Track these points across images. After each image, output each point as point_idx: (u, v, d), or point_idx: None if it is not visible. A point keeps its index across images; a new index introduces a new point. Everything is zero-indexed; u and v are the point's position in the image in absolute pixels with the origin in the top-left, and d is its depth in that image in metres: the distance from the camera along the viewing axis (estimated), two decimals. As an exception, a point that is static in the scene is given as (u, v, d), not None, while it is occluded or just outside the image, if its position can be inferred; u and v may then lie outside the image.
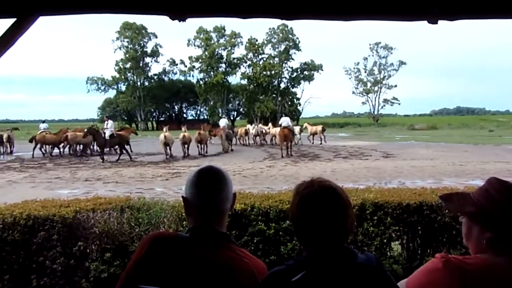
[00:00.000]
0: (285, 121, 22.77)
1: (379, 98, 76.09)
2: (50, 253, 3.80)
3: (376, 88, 75.83)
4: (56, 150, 25.36)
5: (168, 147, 21.78)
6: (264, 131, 30.99)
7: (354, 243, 4.01)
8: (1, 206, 4.12)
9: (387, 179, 13.56)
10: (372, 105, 76.91)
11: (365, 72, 76.22)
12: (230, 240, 1.63)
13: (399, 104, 78.01)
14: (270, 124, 32.49)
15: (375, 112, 76.66)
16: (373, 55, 74.66)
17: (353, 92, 77.79)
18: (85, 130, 22.82)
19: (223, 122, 26.62)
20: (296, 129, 29.78)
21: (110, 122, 22.17)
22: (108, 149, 22.13)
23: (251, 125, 34.79)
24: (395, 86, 75.21)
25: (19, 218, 3.79)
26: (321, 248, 1.41)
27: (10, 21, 2.72)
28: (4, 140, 26.50)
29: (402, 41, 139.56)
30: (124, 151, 21.38)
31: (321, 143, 30.22)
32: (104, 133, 21.25)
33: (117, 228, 3.89)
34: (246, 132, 30.85)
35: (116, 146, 22.11)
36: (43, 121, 28.11)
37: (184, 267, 1.48)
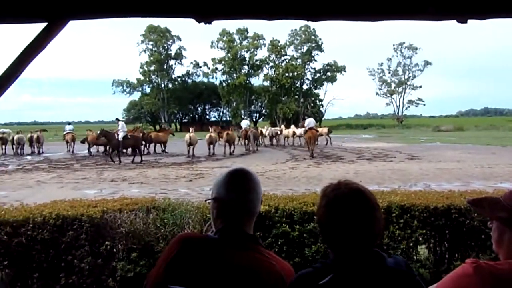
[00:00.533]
0: (311, 122, 23.42)
1: (403, 99, 74.96)
2: (78, 252, 3.88)
3: (400, 89, 74.69)
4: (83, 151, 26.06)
5: (192, 147, 22.97)
6: (278, 133, 32.12)
7: (380, 246, 3.95)
8: (31, 206, 4.23)
9: (412, 182, 13.33)
10: (396, 106, 75.84)
11: (389, 72, 75.17)
12: (258, 242, 1.63)
13: (424, 105, 76.95)
14: (282, 126, 34.22)
15: (399, 113, 75.50)
16: (397, 56, 73.56)
17: (377, 93, 76.85)
18: (98, 132, 23.39)
19: (245, 123, 26.91)
20: (324, 130, 31.61)
21: (121, 123, 22.32)
22: (123, 150, 22.33)
23: (265, 127, 35.68)
24: (420, 86, 73.97)
25: (49, 217, 3.89)
26: (349, 251, 1.39)
27: (41, 26, 2.80)
28: (34, 141, 27.43)
29: (427, 41, 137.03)
30: (137, 152, 21.64)
31: (326, 144, 30.46)
32: (118, 134, 21.54)
33: (143, 228, 3.94)
34: (261, 133, 31.20)
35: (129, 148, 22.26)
36: (69, 123, 29.31)
37: (212, 269, 1.49)
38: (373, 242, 1.42)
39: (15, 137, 27.44)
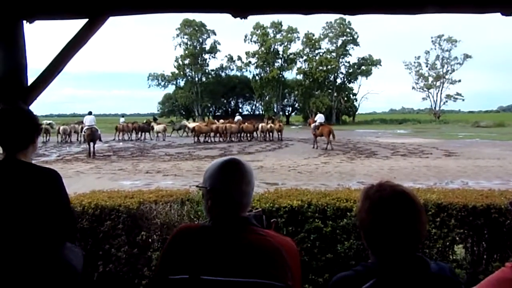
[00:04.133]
0: (321, 117, 25.39)
1: (441, 93, 72.77)
2: (116, 241, 4.00)
3: (438, 83, 72.53)
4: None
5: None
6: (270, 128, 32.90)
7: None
8: (71, 196, 4.37)
9: (449, 179, 12.99)
10: (434, 100, 73.74)
11: (427, 66, 73.06)
12: (251, 222, 1.62)
13: (463, 100, 74.35)
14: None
15: (437, 108, 73.39)
16: (435, 49, 71.37)
17: (413, 88, 74.94)
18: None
19: (320, 117, 26.13)
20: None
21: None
22: None
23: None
24: (459, 81, 71.58)
25: (88, 207, 4.02)
26: (392, 255, 1.37)
27: (82, 22, 2.89)
28: (76, 132, 29.17)
29: (467, 33, 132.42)
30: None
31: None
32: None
33: (177, 220, 4.02)
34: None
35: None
36: (123, 116, 34.76)
37: (209, 255, 1.50)
38: (417, 246, 1.40)
39: (61, 128, 30.19)
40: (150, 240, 4.09)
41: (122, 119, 34.87)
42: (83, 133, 23.42)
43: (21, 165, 2.12)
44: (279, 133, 31.14)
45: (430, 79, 72.98)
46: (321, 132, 23.91)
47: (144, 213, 4.05)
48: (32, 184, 2.07)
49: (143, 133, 33.37)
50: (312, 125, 25.44)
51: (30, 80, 3.02)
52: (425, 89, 73.72)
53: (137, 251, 4.01)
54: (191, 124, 34.51)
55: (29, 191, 2.06)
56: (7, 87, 2.91)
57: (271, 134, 31.25)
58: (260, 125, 31.45)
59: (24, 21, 2.92)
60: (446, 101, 73.52)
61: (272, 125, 31.21)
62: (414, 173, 14.25)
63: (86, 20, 2.83)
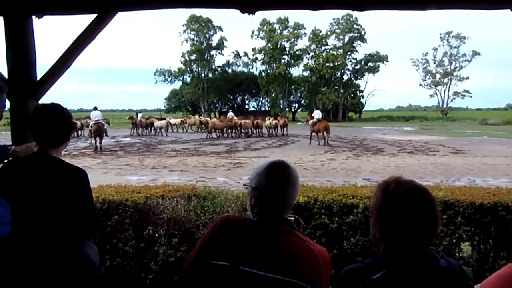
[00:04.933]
0: (318, 114, 26.22)
1: (449, 90, 72.39)
2: (123, 235, 4.03)
3: (446, 80, 72.10)
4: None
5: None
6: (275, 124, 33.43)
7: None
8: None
9: (455, 177, 12.92)
10: (441, 98, 73.35)
11: (434, 63, 72.67)
12: (293, 226, 1.69)
13: (471, 97, 73.80)
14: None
15: (444, 106, 72.96)
16: (443, 45, 70.91)
17: (420, 85, 74.64)
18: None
19: (317, 114, 26.73)
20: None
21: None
22: None
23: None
24: (467, 78, 71.07)
25: (96, 202, 4.03)
26: (404, 249, 1.39)
27: (91, 17, 2.90)
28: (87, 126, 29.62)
29: (476, 30, 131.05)
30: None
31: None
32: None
33: (184, 215, 4.04)
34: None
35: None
36: (140, 111, 36.98)
37: (250, 248, 1.56)
38: (429, 242, 1.42)
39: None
40: (156, 234, 4.12)
41: (140, 115, 36.90)
42: (89, 128, 23.60)
43: (51, 160, 2.19)
44: (284, 129, 32.24)
45: (438, 76, 72.60)
46: (318, 128, 24.72)
47: (151, 208, 4.07)
48: (60, 180, 2.14)
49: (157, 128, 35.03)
50: (310, 121, 26.16)
51: (39, 75, 3.05)
52: (432, 86, 73.36)
53: (144, 245, 4.04)
54: (173, 120, 37.68)
55: (56, 186, 2.12)
56: (17, 82, 2.94)
57: (275, 130, 32.45)
58: (268, 122, 32.49)
59: (34, 16, 2.94)
60: (454, 98, 73.19)
61: (276, 121, 32.47)
62: (420, 171, 14.20)
63: (95, 15, 2.84)
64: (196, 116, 39.24)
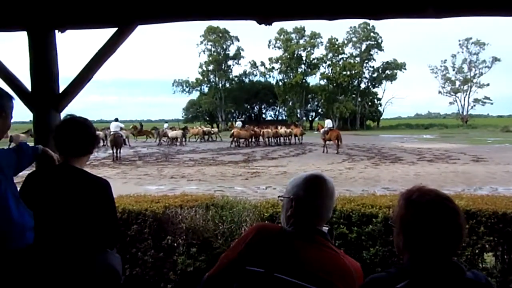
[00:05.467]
0: (329, 123, 27.64)
1: (469, 97, 71.15)
2: (142, 245, 4.06)
3: (465, 87, 70.93)
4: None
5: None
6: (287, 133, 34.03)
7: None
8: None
9: (477, 185, 12.64)
10: (461, 105, 72.10)
11: (454, 70, 71.57)
12: (328, 239, 1.71)
13: (492, 104, 72.31)
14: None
15: (464, 113, 71.69)
16: (462, 52, 69.79)
17: (440, 92, 73.51)
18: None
19: (328, 123, 27.89)
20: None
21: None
22: None
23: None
24: (487, 84, 69.70)
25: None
26: (429, 259, 1.38)
27: (111, 31, 2.97)
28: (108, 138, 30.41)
29: (495, 36, 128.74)
30: None
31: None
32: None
33: (202, 224, 4.05)
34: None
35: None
36: (166, 122, 39.21)
37: (286, 256, 1.58)
38: (455, 251, 1.41)
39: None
40: (175, 244, 4.14)
41: (166, 125, 38.60)
42: (108, 139, 24.23)
43: (74, 171, 2.26)
44: (299, 137, 33.35)
45: (457, 83, 71.50)
46: (330, 137, 25.17)
47: (169, 218, 4.10)
48: (83, 190, 2.20)
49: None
50: (322, 130, 26.80)
51: (61, 88, 3.12)
52: (452, 93, 72.25)
53: (163, 255, 4.06)
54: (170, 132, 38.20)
55: (79, 196, 2.18)
56: (40, 95, 3.02)
57: (290, 138, 33.33)
58: (282, 130, 33.05)
59: (56, 31, 3.02)
60: (474, 106, 71.91)
61: (290, 130, 33.49)
62: (441, 179, 13.95)
63: (115, 29, 2.91)
64: (199, 127, 39.82)
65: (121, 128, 23.67)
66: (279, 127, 34.09)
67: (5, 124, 2.13)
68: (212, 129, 40.18)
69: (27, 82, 3.10)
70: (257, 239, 1.64)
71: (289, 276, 1.53)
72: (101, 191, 2.23)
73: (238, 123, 38.06)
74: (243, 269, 1.59)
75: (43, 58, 3.01)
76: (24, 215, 2.05)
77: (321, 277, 1.53)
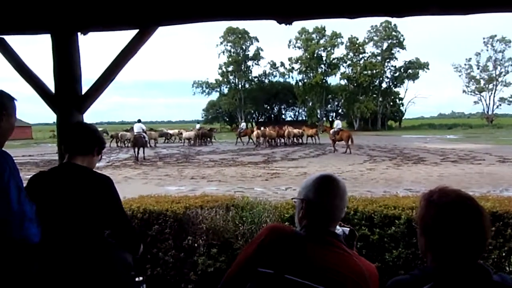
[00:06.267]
0: (339, 124, 27.88)
1: (494, 96, 69.59)
2: (163, 245, 4.09)
3: (490, 86, 69.42)
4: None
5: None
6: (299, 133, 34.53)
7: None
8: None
9: (504, 186, 12.33)
10: (486, 104, 70.60)
11: (478, 68, 70.15)
12: (341, 240, 1.69)
13: (518, 103, 70.53)
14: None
15: (490, 112, 70.12)
16: (487, 50, 68.36)
17: (464, 91, 72.19)
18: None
19: (338, 124, 28.27)
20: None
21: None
22: None
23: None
24: (514, 83, 68.06)
25: (137, 211, 4.14)
26: (454, 261, 1.34)
27: (132, 32, 3.00)
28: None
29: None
30: None
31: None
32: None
33: (222, 225, 4.06)
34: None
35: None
36: (198, 122, 40.81)
37: (298, 258, 1.57)
38: (480, 254, 1.36)
39: (120, 134, 34.34)
40: (196, 244, 4.15)
41: (197, 125, 39.73)
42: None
43: (77, 168, 2.31)
44: (315, 138, 33.74)
45: (482, 81, 70.04)
46: (341, 137, 25.52)
47: (190, 218, 4.11)
48: (84, 186, 2.25)
49: (207, 138, 36.25)
50: (331, 130, 27.10)
51: (84, 89, 3.17)
52: (476, 92, 70.84)
53: (184, 255, 4.08)
54: (171, 131, 39.57)
55: (81, 192, 2.23)
56: (63, 96, 3.06)
57: (300, 139, 34.07)
58: (295, 130, 33.64)
59: (79, 33, 3.06)
60: (500, 105, 70.28)
61: (302, 130, 34.16)
62: (465, 180, 13.64)
63: (137, 31, 2.93)
64: (197, 127, 38.71)
65: (143, 130, 24.00)
66: (287, 127, 34.30)
67: (8, 124, 2.15)
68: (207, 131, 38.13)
69: (50, 84, 3.16)
70: (269, 240, 1.63)
71: (300, 278, 1.52)
72: (103, 187, 2.27)
73: (243, 125, 37.82)
74: (255, 271, 1.58)
75: (66, 60, 3.06)
76: (24, 205, 2.07)
77: (331, 278, 1.52)
